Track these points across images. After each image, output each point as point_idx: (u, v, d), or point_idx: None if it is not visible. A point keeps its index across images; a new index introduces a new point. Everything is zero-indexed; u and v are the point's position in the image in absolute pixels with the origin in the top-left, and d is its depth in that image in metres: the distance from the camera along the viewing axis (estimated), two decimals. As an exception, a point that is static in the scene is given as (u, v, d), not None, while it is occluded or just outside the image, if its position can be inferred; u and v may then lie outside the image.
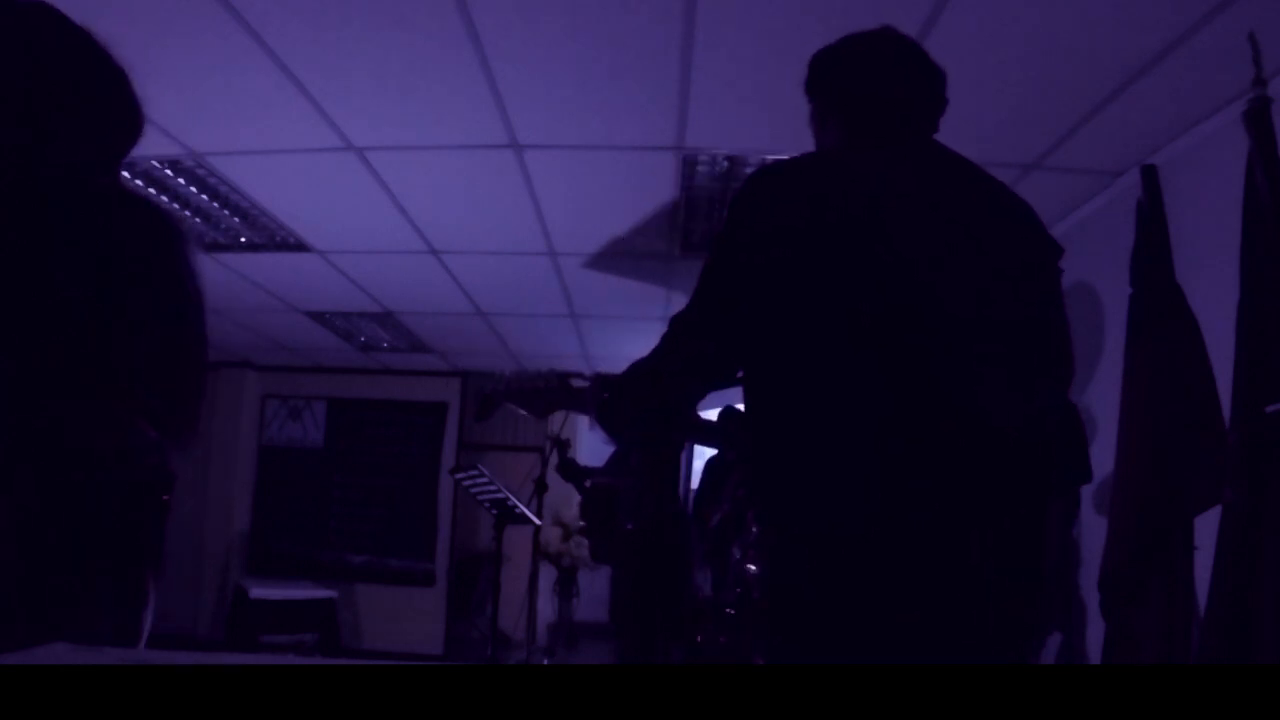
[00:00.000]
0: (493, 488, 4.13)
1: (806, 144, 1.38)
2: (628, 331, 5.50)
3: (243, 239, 4.04)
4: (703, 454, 4.49)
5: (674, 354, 1.23)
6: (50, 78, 1.07)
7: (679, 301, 1.20)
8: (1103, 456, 2.86)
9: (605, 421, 1.32)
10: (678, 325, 1.23)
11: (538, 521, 4.27)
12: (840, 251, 1.13)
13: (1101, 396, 3.00)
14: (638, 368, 1.27)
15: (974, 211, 1.21)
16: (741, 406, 1.30)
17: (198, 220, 3.74)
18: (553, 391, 1.55)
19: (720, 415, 2.04)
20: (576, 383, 1.53)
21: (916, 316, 1.10)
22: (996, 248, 1.19)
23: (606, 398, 1.32)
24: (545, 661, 5.86)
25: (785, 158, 1.25)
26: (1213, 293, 2.25)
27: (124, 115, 1.15)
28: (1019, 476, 1.13)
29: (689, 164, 3.06)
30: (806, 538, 1.09)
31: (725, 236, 1.22)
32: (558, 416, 2.01)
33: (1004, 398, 1.13)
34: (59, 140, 1.08)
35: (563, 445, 4.24)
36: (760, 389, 1.19)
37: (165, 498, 1.17)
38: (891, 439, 1.08)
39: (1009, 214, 1.25)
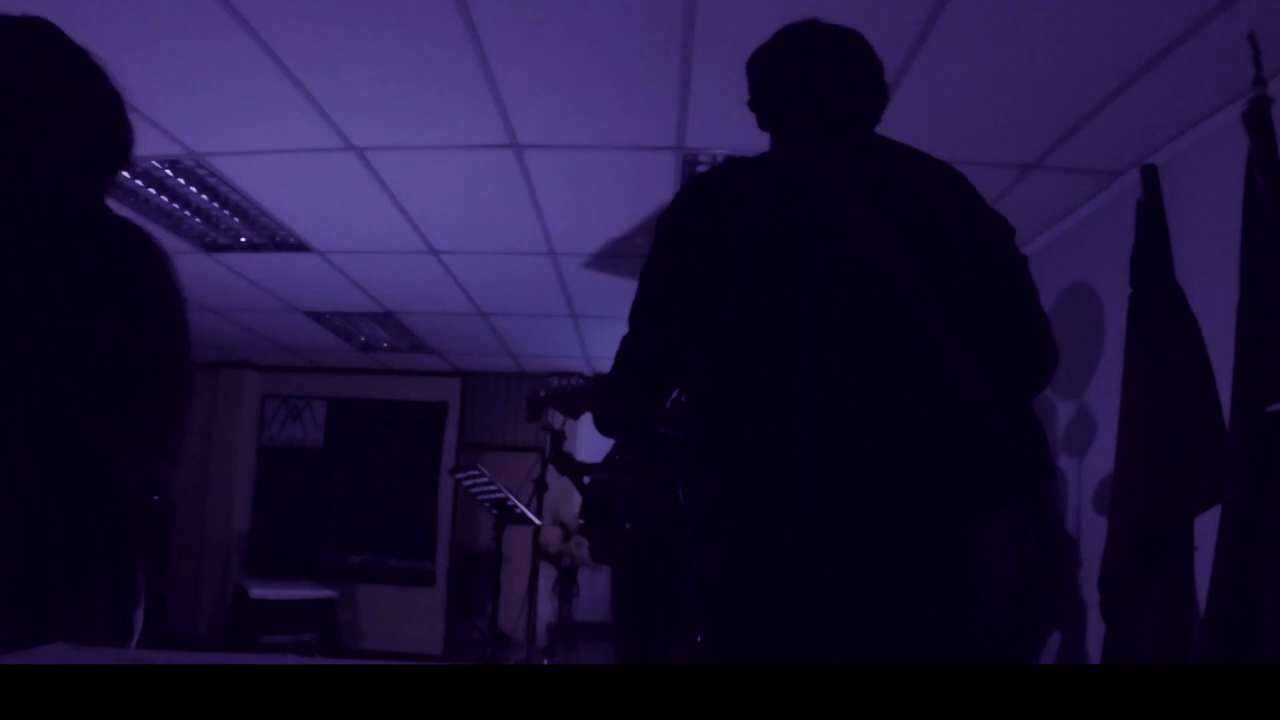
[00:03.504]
0: (493, 488, 4.13)
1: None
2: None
3: (243, 239, 4.03)
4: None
5: (623, 375, 1.26)
6: (46, 85, 1.07)
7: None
8: (1103, 456, 2.86)
9: (598, 425, 1.37)
10: (622, 347, 1.25)
11: (538, 521, 4.26)
12: (779, 250, 1.12)
13: (1101, 396, 3.00)
14: (602, 383, 1.32)
15: (921, 199, 1.18)
16: None
17: (198, 220, 3.74)
18: (579, 393, 1.63)
19: None
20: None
21: (875, 311, 1.09)
22: (946, 233, 1.16)
23: (591, 407, 1.38)
24: (545, 661, 5.85)
25: (723, 163, 1.25)
26: (1213, 293, 2.25)
27: (115, 135, 1.16)
28: (997, 471, 1.12)
29: (689, 164, 3.05)
30: (772, 529, 1.09)
31: (652, 254, 1.22)
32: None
33: (967, 386, 1.11)
34: (53, 144, 1.08)
35: (557, 437, 4.21)
36: (707, 384, 1.20)
37: (155, 498, 1.17)
38: (859, 434, 1.07)
39: (957, 199, 1.21)
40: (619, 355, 1.26)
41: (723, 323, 1.15)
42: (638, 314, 1.23)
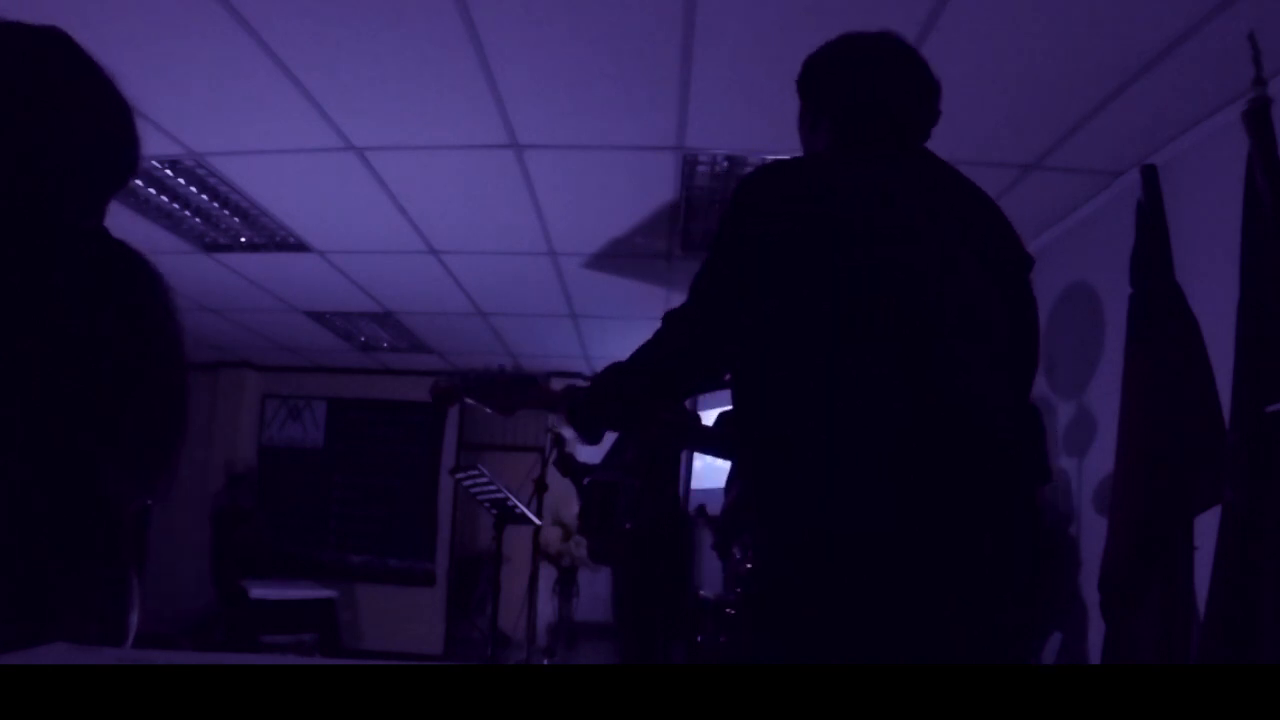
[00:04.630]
0: (493, 488, 4.13)
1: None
2: (628, 331, 5.50)
3: (243, 239, 4.04)
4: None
5: (666, 353, 1.22)
6: (46, 84, 1.07)
7: (679, 301, 1.18)
8: (1103, 456, 2.86)
9: (575, 422, 1.32)
10: (671, 324, 1.22)
11: (538, 521, 4.26)
12: (843, 255, 1.12)
13: (1101, 396, 3.00)
14: (604, 378, 1.27)
15: (967, 219, 1.22)
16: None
17: (198, 220, 3.74)
18: (512, 386, 1.49)
19: (718, 420, 2.03)
20: (555, 383, 1.54)
21: (919, 319, 1.10)
22: (988, 255, 1.20)
23: (581, 397, 1.32)
24: (545, 661, 5.86)
25: (785, 158, 1.24)
26: (1213, 293, 2.25)
27: (118, 140, 1.15)
28: (1007, 478, 1.13)
29: (689, 164, 3.06)
30: (830, 536, 1.08)
31: (725, 237, 1.21)
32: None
33: (997, 399, 1.14)
34: (54, 142, 1.08)
35: (561, 439, 4.23)
36: (758, 390, 1.18)
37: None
38: (909, 441, 1.07)
39: (995, 223, 1.26)
40: (664, 333, 1.22)
41: (791, 321, 1.13)
42: (702, 292, 1.20)
